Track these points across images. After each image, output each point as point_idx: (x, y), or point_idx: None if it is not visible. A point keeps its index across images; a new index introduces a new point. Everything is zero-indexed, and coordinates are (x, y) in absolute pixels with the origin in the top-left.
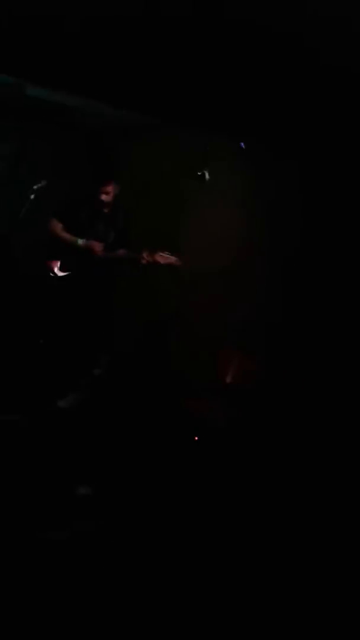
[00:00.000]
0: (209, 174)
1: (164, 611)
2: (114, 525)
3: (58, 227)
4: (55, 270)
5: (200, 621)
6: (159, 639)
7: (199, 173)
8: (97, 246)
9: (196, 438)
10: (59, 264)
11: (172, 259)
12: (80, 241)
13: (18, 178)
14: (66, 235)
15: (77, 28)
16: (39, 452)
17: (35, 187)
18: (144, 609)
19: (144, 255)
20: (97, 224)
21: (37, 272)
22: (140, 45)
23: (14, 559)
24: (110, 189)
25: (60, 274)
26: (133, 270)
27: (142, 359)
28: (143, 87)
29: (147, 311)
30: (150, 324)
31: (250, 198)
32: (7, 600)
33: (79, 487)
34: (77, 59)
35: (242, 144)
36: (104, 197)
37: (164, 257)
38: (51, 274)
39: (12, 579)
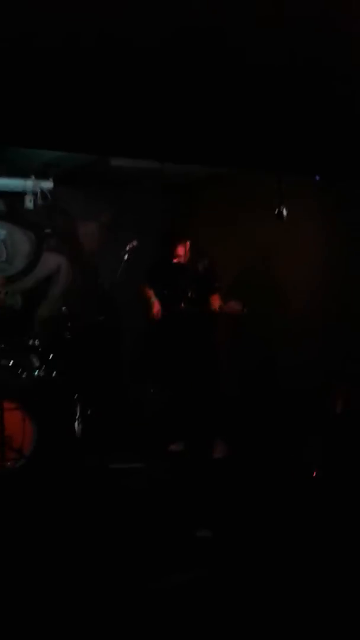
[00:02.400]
0: (286, 211)
1: None
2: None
3: (145, 289)
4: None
5: None
6: None
7: (277, 211)
8: (156, 310)
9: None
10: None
11: (239, 308)
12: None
13: (117, 241)
14: (149, 296)
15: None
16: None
17: (127, 247)
18: None
19: (214, 306)
20: (181, 279)
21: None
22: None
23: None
24: (180, 251)
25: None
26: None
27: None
28: (212, 140)
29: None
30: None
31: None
32: None
33: (198, 530)
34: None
35: (317, 177)
36: (175, 260)
37: (232, 307)
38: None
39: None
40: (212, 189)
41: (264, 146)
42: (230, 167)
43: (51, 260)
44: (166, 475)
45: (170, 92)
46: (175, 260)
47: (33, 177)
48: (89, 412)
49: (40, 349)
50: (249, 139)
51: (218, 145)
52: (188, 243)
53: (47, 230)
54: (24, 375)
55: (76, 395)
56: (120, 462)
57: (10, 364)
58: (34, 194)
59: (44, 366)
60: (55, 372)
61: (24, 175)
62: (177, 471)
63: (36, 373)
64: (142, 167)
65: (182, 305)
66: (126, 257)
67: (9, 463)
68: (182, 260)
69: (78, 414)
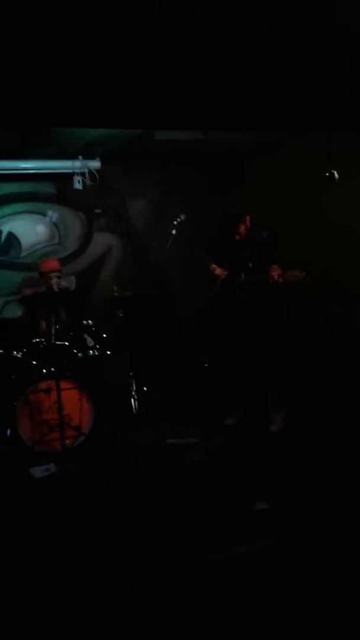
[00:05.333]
0: (338, 173)
1: None
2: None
3: (207, 261)
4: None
5: None
6: None
7: (328, 174)
8: (219, 271)
9: None
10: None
11: (300, 276)
12: (212, 268)
13: (165, 216)
14: (210, 266)
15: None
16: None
17: (175, 222)
18: None
19: (274, 275)
20: (243, 250)
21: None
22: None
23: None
24: (242, 228)
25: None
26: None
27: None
28: (257, 107)
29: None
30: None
31: None
32: None
33: (256, 502)
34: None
35: None
36: (237, 237)
37: (294, 275)
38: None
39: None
40: (261, 157)
41: (309, 107)
42: (277, 132)
43: (102, 240)
44: (223, 449)
45: (210, 58)
46: (234, 233)
47: (80, 157)
48: (144, 389)
49: (94, 329)
50: (294, 100)
51: (263, 110)
52: (247, 217)
53: (97, 210)
54: (79, 355)
55: (131, 373)
56: (177, 438)
57: (66, 344)
58: (82, 174)
59: (99, 345)
60: (110, 351)
61: (72, 156)
62: (233, 445)
63: (91, 352)
64: (187, 140)
65: (242, 276)
66: (174, 232)
67: (68, 441)
68: (242, 231)
69: (134, 391)
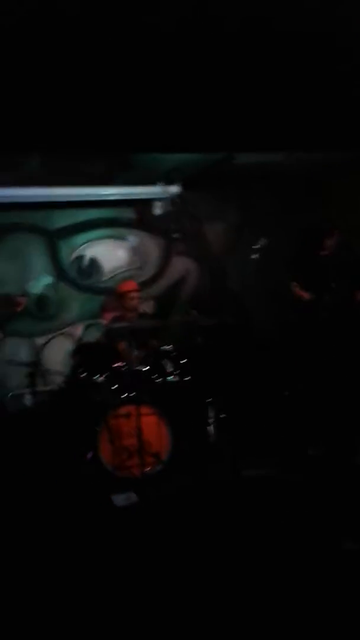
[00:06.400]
0: None
1: None
2: None
3: (294, 285)
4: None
5: None
6: None
7: None
8: (303, 294)
9: None
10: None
11: None
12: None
13: (244, 241)
14: (295, 289)
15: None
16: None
17: (255, 247)
18: None
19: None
20: (329, 270)
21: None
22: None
23: None
24: (331, 242)
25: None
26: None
27: None
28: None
29: None
30: None
31: None
32: None
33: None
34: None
35: None
36: (323, 253)
37: None
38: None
39: None
40: (346, 177)
41: None
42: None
43: (180, 265)
44: (305, 482)
45: (291, 80)
46: (320, 247)
47: (160, 183)
48: (222, 416)
49: (173, 354)
50: None
51: (348, 128)
52: (335, 235)
53: (176, 235)
54: (158, 381)
55: (210, 399)
56: (255, 469)
57: (145, 370)
58: (162, 199)
59: (178, 371)
60: (188, 377)
61: (152, 182)
62: (316, 477)
63: (170, 378)
64: (267, 162)
65: (326, 297)
66: (256, 256)
67: (148, 468)
68: (329, 246)
69: (212, 418)
